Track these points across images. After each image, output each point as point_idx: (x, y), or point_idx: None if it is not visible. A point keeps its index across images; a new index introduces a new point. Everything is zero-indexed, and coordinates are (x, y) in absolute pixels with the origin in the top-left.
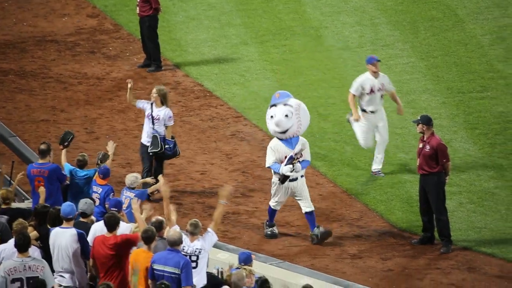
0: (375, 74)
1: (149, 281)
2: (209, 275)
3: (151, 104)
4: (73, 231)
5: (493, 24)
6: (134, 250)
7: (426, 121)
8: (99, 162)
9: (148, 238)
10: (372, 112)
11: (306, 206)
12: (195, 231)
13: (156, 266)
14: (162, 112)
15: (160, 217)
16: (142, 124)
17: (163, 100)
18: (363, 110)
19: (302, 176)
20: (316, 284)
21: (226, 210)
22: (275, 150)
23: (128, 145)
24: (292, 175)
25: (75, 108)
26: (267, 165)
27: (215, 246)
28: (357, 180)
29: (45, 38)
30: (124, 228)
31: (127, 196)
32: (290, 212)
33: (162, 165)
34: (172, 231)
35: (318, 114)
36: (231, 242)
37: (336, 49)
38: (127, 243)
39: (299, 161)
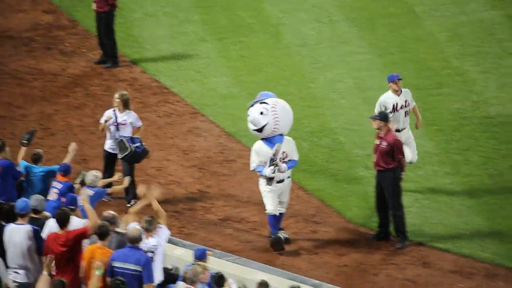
0: (397, 92)
1: (107, 279)
2: (165, 271)
3: (114, 111)
4: (28, 227)
5: (450, 21)
6: (87, 247)
7: (384, 117)
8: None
9: (102, 234)
10: (397, 130)
11: (285, 207)
12: (150, 228)
13: (116, 264)
14: (127, 116)
15: (112, 212)
16: (98, 120)
17: (126, 105)
18: None
19: (288, 177)
20: (272, 280)
21: (183, 206)
22: (258, 153)
23: (84, 141)
24: (276, 176)
25: (30, 104)
26: (251, 169)
27: (172, 242)
28: (313, 176)
29: (1, 34)
30: (77, 224)
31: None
32: (246, 208)
33: (133, 168)
34: (132, 228)
35: None
36: (187, 238)
37: (295, 46)
38: (78, 237)
39: (284, 162)
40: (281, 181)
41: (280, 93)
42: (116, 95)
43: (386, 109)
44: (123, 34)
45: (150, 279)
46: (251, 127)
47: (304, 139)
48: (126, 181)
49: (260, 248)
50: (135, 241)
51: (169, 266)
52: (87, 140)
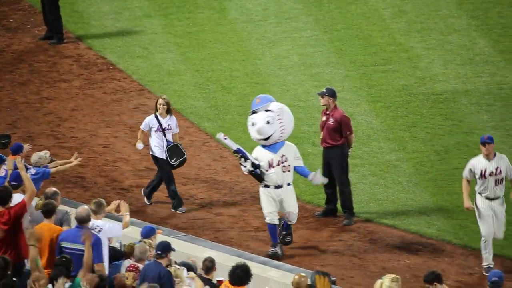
0: (487, 156)
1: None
2: (112, 249)
3: (156, 117)
4: None
5: None
6: (35, 226)
7: (332, 94)
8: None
9: (48, 212)
10: (487, 199)
11: (293, 218)
12: (97, 210)
13: (64, 244)
14: (170, 121)
15: (53, 188)
16: (44, 97)
17: (168, 110)
18: (479, 193)
19: (288, 185)
20: (219, 257)
21: (130, 184)
22: (257, 158)
23: (30, 118)
24: (246, 169)
25: None
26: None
27: (119, 219)
28: None
29: None
30: (18, 199)
31: (30, 173)
32: (194, 185)
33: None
34: (80, 208)
35: (222, 87)
36: (134, 216)
37: (240, 22)
38: (18, 212)
39: (284, 166)
40: (279, 186)
41: (226, 69)
42: (161, 100)
43: (474, 174)
44: (68, 10)
45: (100, 259)
46: (257, 136)
47: None
48: (73, 158)
49: (207, 225)
50: (83, 221)
51: (116, 244)
52: (32, 117)
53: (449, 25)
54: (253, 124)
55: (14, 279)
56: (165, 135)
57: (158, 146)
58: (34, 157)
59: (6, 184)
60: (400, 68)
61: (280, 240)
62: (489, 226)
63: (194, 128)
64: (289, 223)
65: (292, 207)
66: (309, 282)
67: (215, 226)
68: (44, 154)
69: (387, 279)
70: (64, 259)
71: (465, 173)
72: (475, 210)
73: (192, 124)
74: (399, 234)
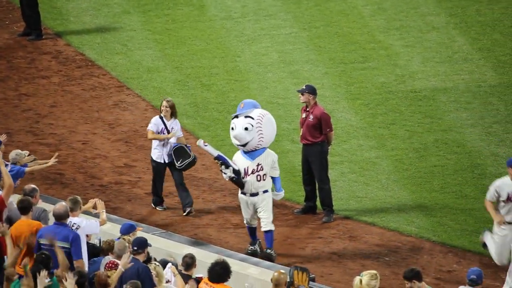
0: None
1: (35, 256)
2: (91, 246)
3: (161, 118)
4: None
5: None
6: (14, 224)
7: (312, 91)
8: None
9: (23, 208)
10: (510, 223)
11: (264, 224)
12: (73, 207)
13: (43, 241)
14: (174, 124)
15: (32, 185)
16: (22, 94)
17: (173, 113)
18: None
19: (264, 192)
20: (199, 254)
21: (109, 180)
22: (235, 162)
23: (8, 114)
24: (227, 176)
25: None
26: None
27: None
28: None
29: None
30: None
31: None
32: (172, 182)
33: (182, 176)
34: (58, 204)
35: (201, 84)
36: (113, 212)
37: (219, 19)
38: None
39: (259, 175)
40: (254, 194)
41: (205, 66)
42: (165, 103)
43: (499, 196)
44: (46, 6)
45: (79, 255)
46: (235, 141)
47: (230, 113)
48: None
49: (187, 222)
50: (61, 217)
51: (95, 241)
52: (11, 113)
53: (428, 22)
54: (232, 129)
55: None
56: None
57: (158, 149)
58: (12, 154)
59: None
60: (379, 66)
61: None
62: (502, 255)
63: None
64: (263, 229)
65: (266, 213)
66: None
67: (194, 223)
68: (24, 153)
69: (366, 276)
70: (43, 256)
71: (490, 195)
72: (487, 235)
73: None
74: (378, 232)
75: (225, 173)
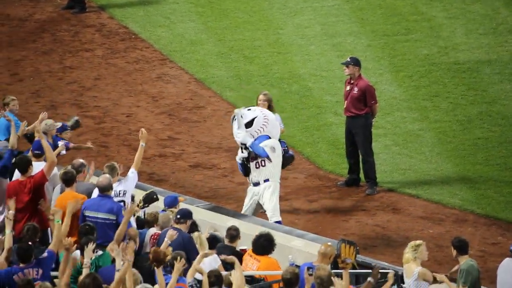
0: None
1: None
2: (138, 218)
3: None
4: None
5: None
6: (58, 197)
7: (357, 62)
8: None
9: (67, 180)
10: None
11: (270, 215)
12: (111, 173)
13: (88, 213)
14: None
15: (80, 159)
16: (67, 66)
17: (271, 106)
18: None
19: (265, 181)
20: (242, 226)
21: (153, 153)
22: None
23: (53, 87)
24: (240, 156)
25: None
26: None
27: (142, 188)
28: (283, 122)
29: None
30: (40, 167)
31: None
32: (216, 154)
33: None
34: (101, 177)
35: (244, 57)
36: (157, 185)
37: None
38: (38, 181)
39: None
40: (256, 183)
41: (248, 39)
42: (262, 97)
43: None
44: None
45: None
46: (238, 133)
47: (273, 86)
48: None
49: (230, 194)
50: (105, 189)
51: (140, 213)
52: (55, 86)
53: None
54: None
55: (30, 243)
56: None
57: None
58: (42, 125)
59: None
60: (422, 38)
61: None
62: None
63: (216, 98)
64: (270, 221)
65: (268, 204)
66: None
67: (238, 195)
68: (56, 123)
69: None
70: (87, 227)
71: None
72: None
73: (214, 93)
74: (422, 204)
75: (242, 152)
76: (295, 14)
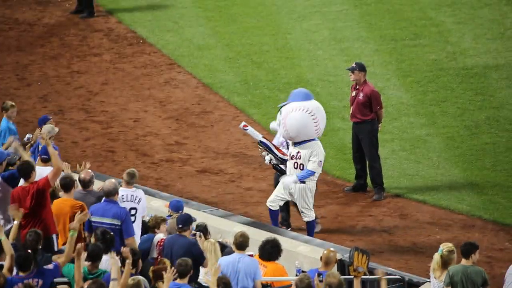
0: None
1: (86, 234)
2: (144, 223)
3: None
4: None
5: None
6: (54, 201)
7: (362, 68)
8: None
9: (66, 186)
10: None
11: (304, 215)
12: (131, 181)
13: (93, 219)
14: None
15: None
16: (74, 71)
17: None
18: None
19: (302, 182)
20: (249, 232)
21: (160, 158)
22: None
23: (60, 91)
24: (267, 161)
25: (6, 54)
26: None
27: (149, 193)
28: None
29: None
30: (40, 172)
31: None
32: (223, 159)
33: None
34: (107, 181)
35: (251, 62)
36: (164, 190)
37: None
38: (42, 187)
39: (296, 163)
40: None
41: (256, 44)
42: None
43: None
44: None
45: (130, 233)
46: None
47: (281, 90)
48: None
49: (237, 199)
50: (110, 194)
51: (146, 218)
52: (63, 90)
53: None
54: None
55: (29, 251)
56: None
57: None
58: (47, 127)
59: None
60: (430, 43)
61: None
62: None
63: (224, 103)
64: (304, 220)
65: (299, 201)
66: (338, 256)
67: (245, 200)
68: (53, 126)
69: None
70: (104, 232)
71: None
72: None
73: (222, 98)
74: (429, 210)
75: (265, 159)
76: (303, 19)
